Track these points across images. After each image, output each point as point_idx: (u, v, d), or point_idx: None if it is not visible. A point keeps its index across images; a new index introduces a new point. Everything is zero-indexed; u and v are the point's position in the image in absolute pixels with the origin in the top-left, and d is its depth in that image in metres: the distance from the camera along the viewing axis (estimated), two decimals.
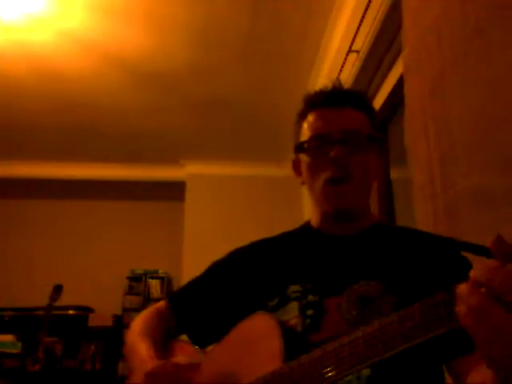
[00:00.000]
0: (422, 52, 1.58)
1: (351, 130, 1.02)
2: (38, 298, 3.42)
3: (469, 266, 0.92)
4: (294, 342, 0.83)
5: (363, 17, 2.23)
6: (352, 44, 2.39)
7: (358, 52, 2.40)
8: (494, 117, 1.20)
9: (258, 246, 1.14)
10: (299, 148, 1.08)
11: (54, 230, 4.71)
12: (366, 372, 0.83)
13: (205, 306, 1.10)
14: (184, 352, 1.02)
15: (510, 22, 1.16)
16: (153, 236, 4.73)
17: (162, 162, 4.47)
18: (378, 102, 2.57)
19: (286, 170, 4.41)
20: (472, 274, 0.56)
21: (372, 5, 2.16)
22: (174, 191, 4.57)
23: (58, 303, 3.34)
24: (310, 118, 1.08)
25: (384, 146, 1.13)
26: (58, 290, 3.30)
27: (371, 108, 1.10)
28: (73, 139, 4.05)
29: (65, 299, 3.37)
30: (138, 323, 1.10)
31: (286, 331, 0.85)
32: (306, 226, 1.13)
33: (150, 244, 4.69)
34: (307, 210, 4.00)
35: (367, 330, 0.66)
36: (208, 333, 1.06)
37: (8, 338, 3.73)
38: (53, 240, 4.65)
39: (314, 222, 1.10)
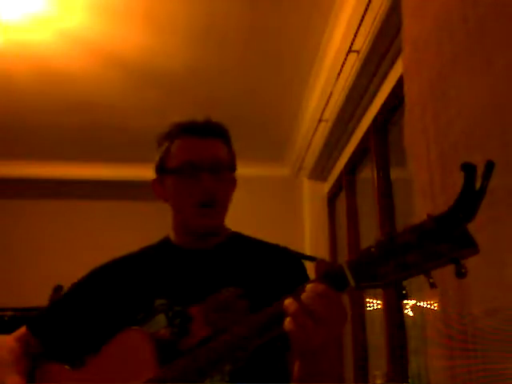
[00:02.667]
0: (422, 52, 1.58)
1: (219, 161, 1.15)
2: (37, 297, 3.42)
3: (303, 272, 1.15)
4: (165, 351, 0.94)
5: (363, 17, 2.23)
6: (352, 44, 2.39)
7: (357, 52, 2.40)
8: (494, 117, 1.21)
9: (120, 262, 1.23)
10: (167, 170, 1.17)
11: (54, 230, 4.71)
12: (227, 368, 0.97)
13: (70, 327, 1.14)
14: (53, 374, 1.06)
15: (510, 21, 1.16)
16: (153, 236, 4.72)
17: None
18: (378, 102, 2.57)
19: (287, 170, 4.42)
20: (302, 296, 0.76)
21: (372, 5, 2.16)
22: None
23: None
24: (182, 142, 1.17)
25: (234, 175, 1.26)
26: (58, 290, 3.30)
27: (230, 140, 1.23)
28: (73, 139, 4.05)
29: None
30: (2, 354, 1.10)
31: (157, 342, 0.96)
32: (166, 241, 1.24)
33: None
34: (307, 210, 4.01)
35: (226, 337, 0.82)
36: (77, 352, 1.10)
37: None
38: (53, 240, 4.65)
39: (174, 237, 1.22)
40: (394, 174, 2.53)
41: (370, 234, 2.79)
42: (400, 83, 1.98)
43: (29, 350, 1.12)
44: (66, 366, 1.06)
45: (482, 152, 1.24)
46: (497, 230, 1.11)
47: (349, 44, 2.41)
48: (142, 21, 2.76)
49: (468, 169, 0.67)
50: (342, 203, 3.40)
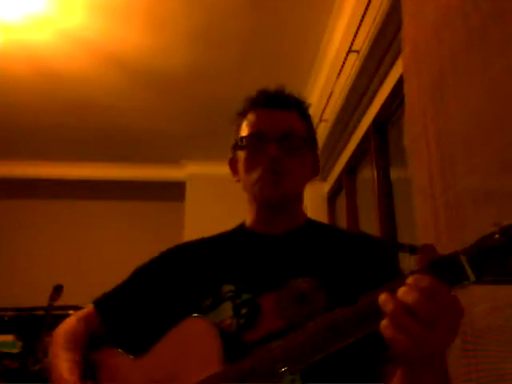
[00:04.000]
0: (422, 52, 1.58)
1: (289, 132, 1.07)
2: (37, 297, 3.41)
3: (390, 261, 1.04)
4: (229, 343, 0.86)
5: (363, 17, 2.23)
6: (352, 44, 2.39)
7: (358, 52, 2.40)
8: (494, 117, 1.20)
9: (190, 246, 1.16)
10: (237, 145, 1.12)
11: (54, 229, 4.70)
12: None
13: (135, 311, 1.08)
14: (111, 362, 1.00)
15: (510, 21, 1.16)
16: (153, 236, 4.72)
17: (162, 162, 4.46)
18: (378, 102, 2.57)
19: None
20: (398, 293, 0.63)
21: (372, 5, 2.16)
22: (174, 191, 4.56)
23: (58, 303, 3.33)
24: (250, 116, 1.12)
25: (317, 157, 1.18)
26: (58, 289, 3.30)
27: (308, 114, 1.15)
28: (73, 139, 4.05)
29: (65, 299, 3.37)
30: (61, 333, 1.07)
31: (223, 333, 0.88)
32: (240, 226, 1.17)
33: (150, 244, 4.67)
34: (307, 210, 4.00)
35: (309, 329, 0.71)
36: (140, 338, 1.04)
37: (8, 338, 3.72)
38: (53, 240, 4.65)
39: (248, 222, 1.14)
40: (394, 174, 2.53)
41: (370, 233, 2.78)
42: (400, 83, 1.97)
43: (90, 332, 1.07)
44: (124, 352, 1.01)
45: (481, 152, 1.24)
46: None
47: (349, 44, 2.41)
48: (142, 21, 2.76)
49: None
50: (341, 203, 3.40)
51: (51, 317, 3.32)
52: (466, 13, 1.31)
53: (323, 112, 3.02)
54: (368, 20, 2.21)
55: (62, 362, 0.96)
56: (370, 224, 2.75)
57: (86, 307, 1.14)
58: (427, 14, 1.54)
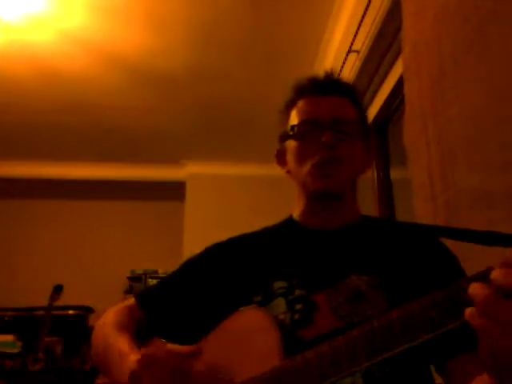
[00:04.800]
0: (422, 52, 1.58)
1: (342, 118, 1.02)
2: (38, 297, 3.41)
3: (453, 258, 0.95)
4: (287, 338, 0.81)
5: (363, 17, 2.23)
6: (352, 44, 2.39)
7: (358, 52, 2.40)
8: (494, 117, 1.20)
9: (239, 240, 1.11)
10: (287, 134, 1.06)
11: (54, 229, 4.71)
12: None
13: (182, 305, 1.03)
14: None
15: (510, 21, 1.16)
16: (153, 236, 4.73)
17: (162, 162, 4.46)
18: (377, 102, 2.57)
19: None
20: (493, 276, 0.56)
21: (372, 5, 2.16)
22: (174, 191, 4.56)
23: (58, 303, 3.33)
24: (300, 104, 1.07)
25: (370, 145, 1.12)
26: (58, 289, 3.30)
27: (361, 105, 1.10)
28: (73, 139, 4.05)
29: (65, 299, 3.37)
30: (111, 317, 1.02)
31: (281, 326, 0.82)
32: (289, 220, 1.11)
33: (150, 244, 4.68)
34: None
35: (366, 328, 0.65)
36: (186, 332, 0.99)
37: (8, 337, 3.72)
38: (53, 240, 4.65)
39: (298, 216, 1.08)
40: (394, 174, 2.53)
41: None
42: (400, 83, 1.97)
43: (136, 323, 1.01)
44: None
45: (481, 152, 1.24)
46: (497, 229, 1.11)
47: (349, 44, 2.41)
48: (142, 21, 2.76)
49: None
50: None
51: (51, 317, 3.32)
52: (466, 13, 1.31)
53: None
54: (368, 20, 2.21)
55: (120, 343, 0.90)
56: None
57: (127, 301, 1.08)
58: (427, 14, 1.54)
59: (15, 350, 3.61)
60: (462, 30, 1.33)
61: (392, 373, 0.81)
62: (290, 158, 1.07)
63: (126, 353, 0.84)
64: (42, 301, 3.31)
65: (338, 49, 2.71)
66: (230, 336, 0.88)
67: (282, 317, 0.90)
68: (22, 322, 4.03)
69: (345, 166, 1.00)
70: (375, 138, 2.64)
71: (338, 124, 1.01)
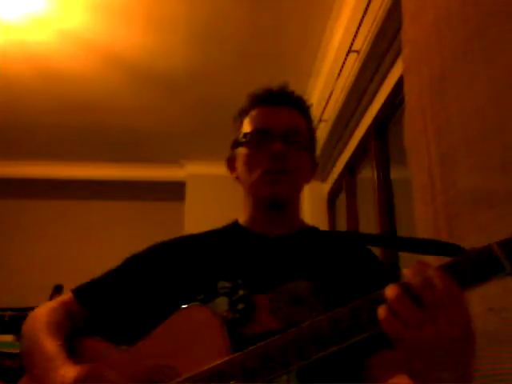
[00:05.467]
0: (422, 52, 1.58)
1: (293, 130, 1.06)
2: (37, 297, 3.42)
3: (382, 266, 1.04)
4: (231, 335, 0.83)
5: (363, 17, 2.23)
6: (352, 44, 2.39)
7: (358, 52, 2.40)
8: (494, 117, 1.20)
9: (185, 240, 1.14)
10: (239, 141, 1.10)
11: (54, 229, 4.71)
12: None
13: (124, 301, 1.04)
14: (95, 350, 0.95)
15: (510, 21, 1.16)
16: (153, 236, 4.71)
17: (162, 162, 4.46)
18: (377, 102, 2.57)
19: None
20: (403, 274, 0.62)
21: (372, 5, 2.16)
22: (174, 191, 4.57)
23: None
24: (253, 113, 1.10)
25: (315, 157, 1.18)
26: (58, 290, 3.30)
27: (310, 116, 1.14)
28: (73, 139, 4.05)
29: None
30: (42, 315, 1.01)
31: (226, 323, 0.85)
32: (235, 224, 1.15)
33: (150, 244, 4.68)
34: (307, 210, 4.00)
35: (303, 330, 0.70)
36: (127, 329, 1.01)
37: (8, 338, 3.72)
38: (53, 240, 4.65)
39: (244, 221, 1.13)
40: (394, 173, 2.53)
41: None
42: (400, 83, 1.97)
43: (70, 319, 1.01)
44: (110, 343, 0.96)
45: (481, 152, 1.24)
46: (497, 230, 1.11)
47: (349, 44, 2.41)
48: (142, 21, 2.76)
49: None
50: (342, 203, 3.40)
51: None
52: (466, 13, 1.31)
53: (323, 112, 3.02)
54: (368, 20, 2.21)
55: (47, 344, 0.90)
56: (370, 224, 2.75)
57: (64, 295, 1.09)
58: (427, 14, 1.54)
59: (15, 350, 3.61)
60: (461, 30, 1.33)
61: (324, 366, 0.85)
62: (240, 164, 1.10)
63: (52, 358, 0.85)
64: (42, 301, 3.31)
65: (337, 49, 2.71)
66: (176, 332, 0.89)
67: (224, 315, 0.93)
68: (22, 321, 4.03)
69: (292, 176, 1.05)
70: (375, 137, 2.64)
71: (290, 135, 1.05)
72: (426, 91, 1.53)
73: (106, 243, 4.73)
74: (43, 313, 1.02)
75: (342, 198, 3.35)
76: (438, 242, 0.79)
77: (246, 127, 1.10)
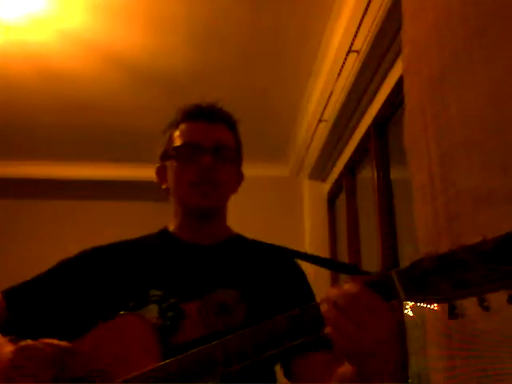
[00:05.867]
0: (422, 52, 1.58)
1: (222, 144, 1.12)
2: None
3: (305, 281, 1.12)
4: (161, 342, 0.88)
5: (363, 17, 2.23)
6: (352, 44, 2.39)
7: (357, 52, 2.40)
8: (494, 117, 1.20)
9: (117, 247, 1.18)
10: (168, 154, 1.16)
11: (54, 229, 4.70)
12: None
13: (51, 307, 1.06)
14: None
15: (510, 21, 1.16)
16: None
17: None
18: (377, 102, 2.57)
19: (287, 170, 4.41)
20: (329, 294, 0.72)
21: (372, 5, 2.16)
22: None
23: None
24: (184, 127, 1.16)
25: (241, 169, 1.25)
26: None
27: (237, 130, 1.22)
28: (73, 139, 4.05)
29: None
30: None
31: (157, 331, 0.90)
32: (165, 232, 1.19)
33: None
34: (307, 210, 4.00)
35: (238, 337, 0.76)
36: (53, 335, 1.00)
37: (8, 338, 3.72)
38: (53, 240, 4.64)
39: (174, 229, 1.17)
40: (394, 174, 2.53)
41: (369, 234, 2.78)
42: (400, 83, 1.97)
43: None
44: None
45: (481, 152, 1.24)
46: (497, 230, 1.11)
47: (349, 44, 2.41)
48: (142, 21, 2.76)
49: None
50: (342, 203, 3.40)
51: None
52: (466, 13, 1.31)
53: (323, 112, 3.02)
54: (368, 20, 2.21)
55: None
56: (369, 224, 2.76)
57: None
58: (427, 14, 1.54)
59: None
60: (461, 30, 1.33)
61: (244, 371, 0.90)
62: (170, 176, 1.16)
63: (2, 344, 0.91)
64: None
65: (337, 49, 2.71)
66: (109, 338, 0.92)
67: (154, 321, 0.98)
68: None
69: (220, 188, 1.10)
70: (375, 137, 2.64)
71: (219, 149, 1.11)
72: (425, 91, 1.53)
73: (105, 243, 4.72)
74: None
75: (342, 198, 3.35)
76: (343, 263, 0.95)
77: (177, 140, 1.15)
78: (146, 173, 5.21)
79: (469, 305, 1.22)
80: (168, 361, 0.79)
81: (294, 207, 4.12)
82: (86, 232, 4.73)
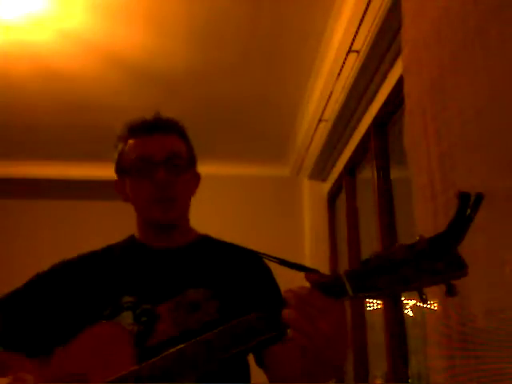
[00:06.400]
0: (421, 52, 1.58)
1: (174, 154, 1.13)
2: None
3: (269, 274, 1.16)
4: (137, 347, 0.92)
5: (363, 17, 2.23)
6: (352, 44, 2.39)
7: (358, 52, 2.40)
8: (494, 117, 1.21)
9: (86, 258, 1.20)
10: (122, 171, 1.16)
11: (54, 229, 4.71)
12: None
13: (29, 319, 1.11)
14: (22, 367, 1.00)
15: (510, 21, 1.16)
16: None
17: None
18: (378, 102, 2.57)
19: (287, 170, 4.41)
20: (290, 297, 0.77)
21: (372, 5, 2.16)
22: None
23: None
24: (133, 142, 1.15)
25: (196, 169, 1.26)
26: None
27: (186, 134, 1.23)
28: (73, 139, 4.05)
29: None
30: None
31: (133, 337, 0.95)
32: (132, 239, 1.23)
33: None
34: (307, 210, 4.01)
35: (208, 337, 0.79)
36: (37, 344, 1.06)
37: None
38: (53, 240, 4.65)
39: (139, 236, 1.21)
40: (394, 174, 2.53)
41: (370, 234, 2.79)
42: (400, 83, 1.97)
43: None
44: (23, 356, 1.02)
45: (481, 152, 1.24)
46: (497, 230, 1.11)
47: (349, 44, 2.41)
48: (142, 21, 2.76)
49: (463, 197, 0.74)
50: (342, 203, 3.40)
51: None
52: (466, 13, 1.31)
53: (323, 112, 3.02)
54: (368, 20, 2.21)
55: None
56: (369, 224, 2.76)
57: None
58: (427, 14, 1.54)
59: None
60: (461, 30, 1.33)
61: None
62: (128, 191, 1.18)
63: None
64: None
65: (337, 49, 2.71)
66: (87, 347, 0.96)
67: (129, 328, 1.02)
68: None
69: (178, 201, 1.13)
70: (375, 137, 2.64)
71: (170, 160, 1.12)
72: (425, 91, 1.53)
73: (105, 243, 4.72)
74: None
75: (342, 198, 3.35)
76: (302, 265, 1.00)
77: (127, 157, 1.14)
78: None
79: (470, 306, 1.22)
80: (142, 364, 0.82)
81: (294, 207, 4.12)
82: (86, 232, 4.74)
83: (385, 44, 2.25)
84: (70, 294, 1.13)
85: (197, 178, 1.24)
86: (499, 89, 1.18)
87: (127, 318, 1.04)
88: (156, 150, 1.12)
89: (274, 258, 1.05)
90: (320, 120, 3.09)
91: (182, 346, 0.80)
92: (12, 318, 1.12)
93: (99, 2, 2.60)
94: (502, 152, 1.16)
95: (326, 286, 0.78)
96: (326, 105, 2.95)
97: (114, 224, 4.84)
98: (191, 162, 1.20)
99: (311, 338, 0.75)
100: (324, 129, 3.14)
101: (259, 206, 4.28)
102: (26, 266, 4.93)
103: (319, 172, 3.74)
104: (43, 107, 3.56)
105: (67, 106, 3.53)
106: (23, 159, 4.36)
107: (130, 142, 1.16)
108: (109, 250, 1.24)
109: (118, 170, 1.19)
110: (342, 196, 3.36)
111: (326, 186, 3.78)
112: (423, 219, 1.50)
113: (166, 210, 1.11)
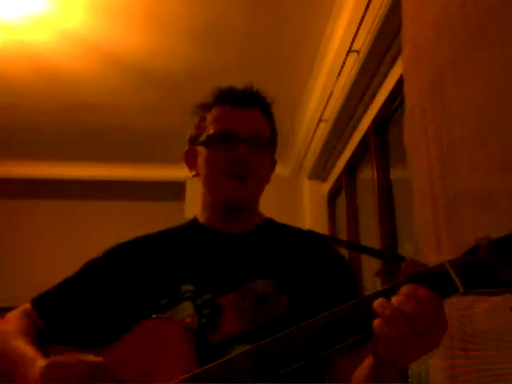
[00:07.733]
0: (422, 52, 1.58)
1: (256, 132, 1.05)
2: None
3: (347, 266, 1.06)
4: (197, 343, 0.83)
5: (363, 17, 2.23)
6: (352, 44, 2.39)
7: (358, 52, 2.40)
8: (494, 117, 1.20)
9: (145, 240, 1.12)
10: (200, 140, 1.09)
11: (54, 229, 4.70)
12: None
13: (83, 310, 1.02)
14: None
15: (510, 21, 1.16)
16: None
17: (162, 162, 4.46)
18: (378, 102, 2.57)
19: (287, 170, 4.41)
20: (393, 299, 0.65)
21: (372, 5, 2.16)
22: (173, 191, 4.56)
23: None
24: (217, 112, 1.08)
25: (274, 155, 1.15)
26: None
27: (272, 114, 1.13)
28: (73, 139, 4.05)
29: None
30: (12, 321, 1.00)
31: (191, 333, 0.85)
32: (194, 222, 1.12)
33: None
34: (307, 210, 4.00)
35: (284, 338, 0.68)
36: (88, 338, 0.99)
37: None
38: (53, 240, 4.64)
39: (205, 219, 1.10)
40: (394, 174, 2.53)
41: (370, 234, 2.79)
42: (400, 83, 1.97)
43: (36, 328, 1.00)
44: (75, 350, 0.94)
45: (482, 152, 1.24)
46: (497, 230, 1.11)
47: (349, 44, 2.41)
48: (141, 21, 2.76)
49: None
50: (342, 203, 3.40)
51: None
52: (466, 13, 1.31)
53: (323, 112, 3.02)
54: (368, 20, 2.21)
55: (24, 348, 0.90)
56: (369, 224, 2.76)
57: (25, 305, 1.07)
58: (427, 13, 1.54)
59: None
60: (461, 30, 1.33)
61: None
62: (201, 163, 1.09)
63: (32, 357, 0.85)
64: None
65: (338, 49, 2.71)
66: (143, 343, 0.87)
67: (188, 320, 0.92)
68: None
69: (254, 180, 1.04)
70: (375, 137, 2.64)
71: (253, 138, 1.04)
72: (426, 91, 1.53)
73: (105, 243, 4.72)
74: (11, 322, 1.01)
75: (342, 198, 3.35)
76: (381, 251, 0.86)
77: (210, 126, 1.08)
78: (146, 173, 5.22)
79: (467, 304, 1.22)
80: (212, 365, 0.72)
81: (294, 207, 4.12)
82: (86, 232, 4.73)
83: (385, 44, 2.25)
84: (124, 280, 1.03)
85: (273, 163, 1.15)
86: (499, 88, 1.18)
87: (187, 309, 0.94)
88: (242, 126, 1.04)
89: (354, 244, 0.93)
90: (320, 120, 3.09)
91: (259, 343, 0.69)
92: (63, 308, 1.03)
93: (99, 2, 2.60)
94: (502, 152, 1.16)
95: (428, 279, 0.64)
96: (326, 105, 2.95)
97: (114, 224, 4.84)
98: (272, 144, 1.11)
99: (403, 354, 0.64)
100: (324, 129, 3.14)
101: (259, 206, 4.27)
102: (26, 265, 4.94)
103: (319, 172, 3.74)
104: (43, 107, 3.56)
105: (67, 105, 3.53)
106: (23, 159, 4.36)
107: (215, 111, 1.08)
108: (168, 233, 1.13)
109: (193, 140, 1.12)
110: (342, 196, 3.36)
111: (326, 186, 3.78)
112: (423, 219, 1.50)
113: (239, 188, 1.02)
